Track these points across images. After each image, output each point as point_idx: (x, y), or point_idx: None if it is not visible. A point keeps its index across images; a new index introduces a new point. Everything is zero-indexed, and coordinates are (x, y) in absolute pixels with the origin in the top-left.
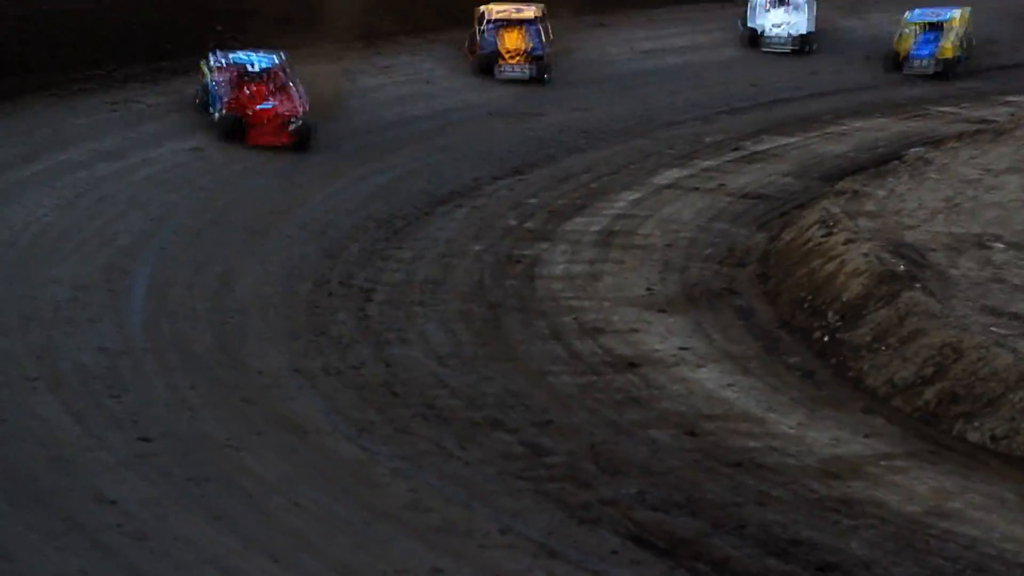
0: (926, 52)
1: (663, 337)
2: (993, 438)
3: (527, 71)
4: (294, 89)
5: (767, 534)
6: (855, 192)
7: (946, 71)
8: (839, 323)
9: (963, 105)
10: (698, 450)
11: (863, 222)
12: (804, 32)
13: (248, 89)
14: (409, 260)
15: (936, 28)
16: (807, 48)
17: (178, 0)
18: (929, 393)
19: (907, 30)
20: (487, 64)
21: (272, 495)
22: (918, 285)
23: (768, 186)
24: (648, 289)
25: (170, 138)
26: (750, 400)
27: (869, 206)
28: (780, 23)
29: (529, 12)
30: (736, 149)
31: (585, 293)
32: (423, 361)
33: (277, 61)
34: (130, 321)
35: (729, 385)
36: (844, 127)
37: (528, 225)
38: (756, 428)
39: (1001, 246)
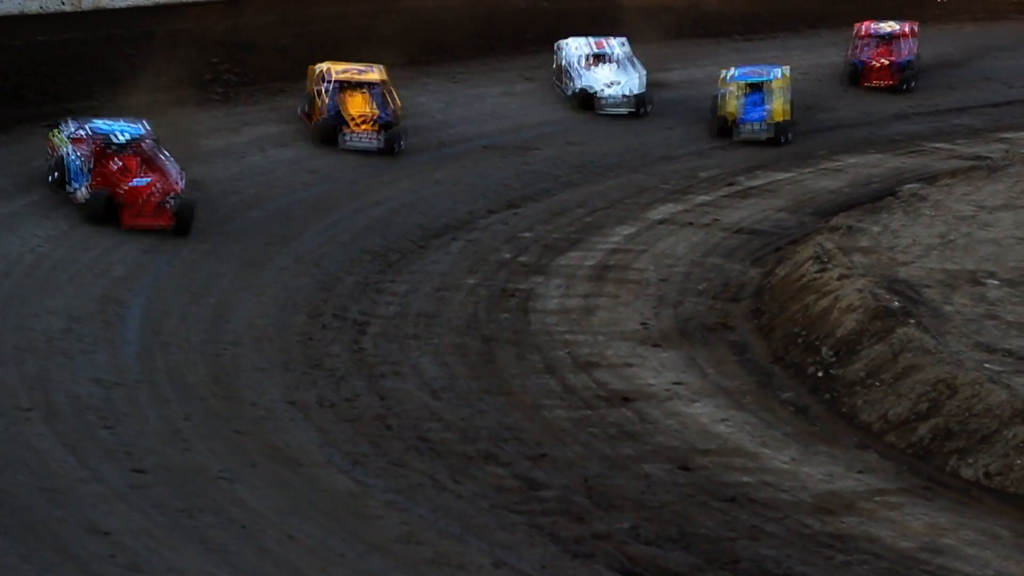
0: (757, 116)
1: (657, 371)
2: (987, 474)
3: (376, 140)
4: (166, 162)
5: (760, 569)
6: (849, 228)
7: (777, 135)
8: (833, 359)
9: (957, 141)
10: (692, 485)
11: (857, 258)
12: (638, 92)
13: (115, 163)
14: (403, 293)
15: (758, 88)
16: (642, 110)
17: (174, 32)
18: (923, 429)
19: (729, 90)
20: (330, 132)
21: (265, 527)
22: (912, 321)
23: (762, 221)
24: (642, 323)
25: None
26: (744, 435)
27: (863, 242)
28: (612, 82)
29: (374, 74)
30: (731, 184)
31: (579, 327)
32: (417, 394)
33: (142, 131)
34: (124, 352)
35: (723, 420)
36: (838, 163)
37: (522, 259)
38: (750, 463)
39: (995, 282)
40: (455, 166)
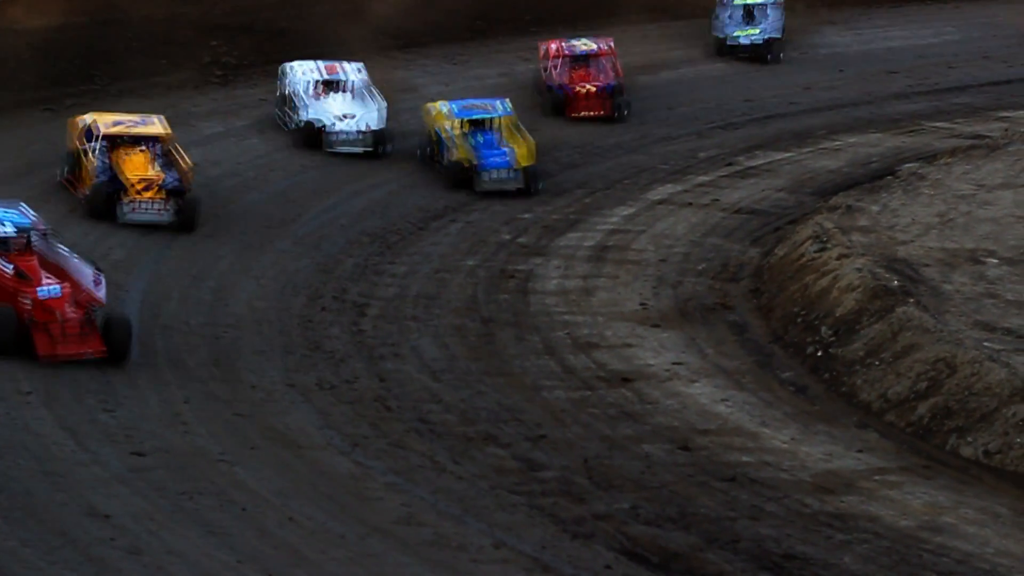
0: (500, 161)
1: (656, 352)
2: (986, 453)
3: (166, 212)
4: (72, 259)
5: (760, 549)
6: (849, 207)
7: (527, 183)
8: (832, 338)
9: (957, 120)
10: (691, 465)
11: (856, 237)
12: (376, 127)
13: (3, 266)
14: (403, 275)
15: (482, 126)
16: (381, 149)
17: (173, 15)
18: (923, 408)
19: (449, 129)
20: (105, 202)
21: (266, 510)
22: (911, 300)
23: (762, 201)
24: (642, 304)
25: None
26: (743, 415)
27: (863, 221)
28: (344, 115)
29: (154, 126)
30: (730, 164)
31: (579, 308)
32: (416, 376)
33: (28, 219)
34: None
35: (722, 400)
36: (838, 142)
37: (522, 240)
38: (749, 443)
39: (995, 261)
40: None
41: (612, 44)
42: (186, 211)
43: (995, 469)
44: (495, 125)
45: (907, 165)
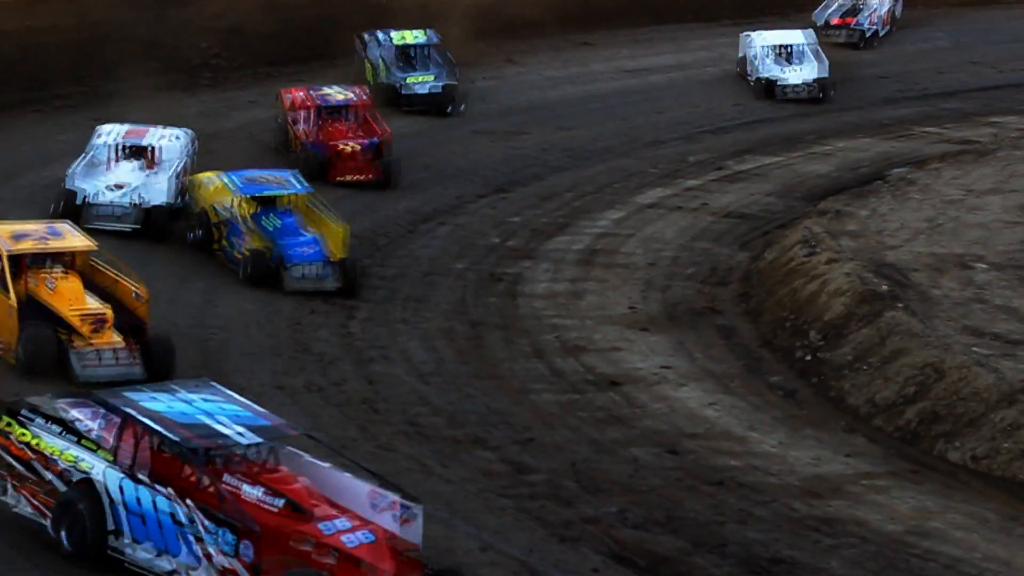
0: (312, 253)
1: (645, 355)
2: (974, 458)
3: (136, 365)
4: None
5: (748, 553)
6: (838, 212)
7: (347, 278)
8: (821, 342)
9: (946, 125)
10: (679, 468)
11: (845, 242)
12: (160, 203)
13: None
14: (392, 277)
15: (271, 203)
16: (143, 226)
17: (162, 18)
18: (910, 412)
19: (232, 210)
20: (49, 355)
21: None
22: (900, 305)
23: (751, 205)
24: (630, 307)
25: None
26: (732, 419)
27: (852, 226)
28: (118, 184)
29: (76, 239)
30: (719, 168)
31: (567, 311)
32: (405, 378)
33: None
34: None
35: (711, 404)
36: (827, 147)
37: (511, 243)
38: (738, 447)
39: (983, 266)
40: (443, 151)
41: (368, 93)
42: (158, 359)
43: (982, 474)
44: (290, 204)
45: (896, 170)
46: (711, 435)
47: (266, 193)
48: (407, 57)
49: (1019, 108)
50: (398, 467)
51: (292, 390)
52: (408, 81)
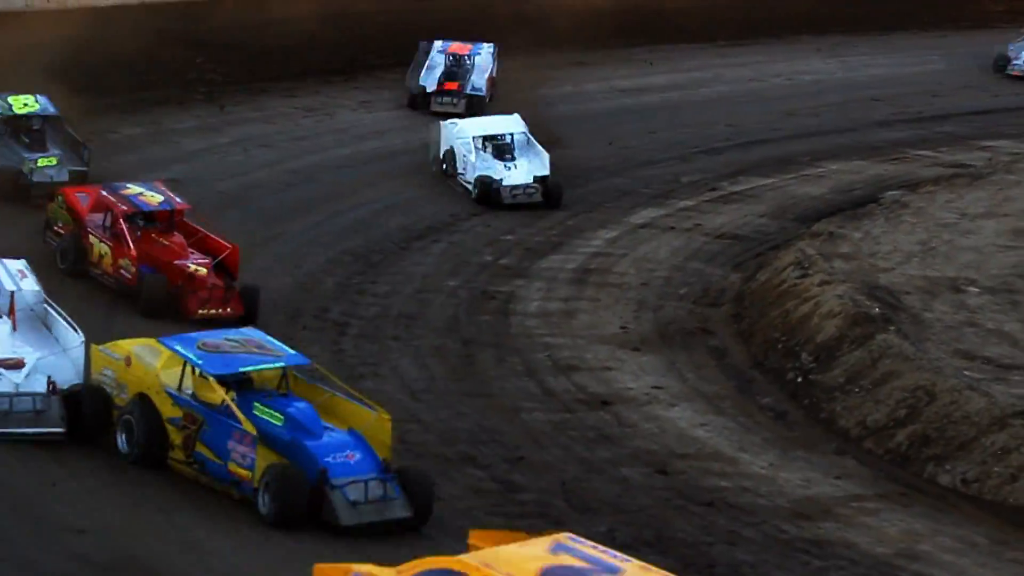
0: (366, 466)
1: (636, 375)
2: (964, 481)
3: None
4: None
5: (737, 574)
6: (831, 234)
7: None
8: (812, 364)
9: (940, 149)
10: (669, 489)
11: (838, 264)
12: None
13: None
14: (384, 294)
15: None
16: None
17: (160, 31)
18: (901, 435)
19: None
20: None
21: (243, 528)
22: (892, 328)
23: (744, 226)
24: (622, 327)
25: (144, 171)
26: (722, 440)
27: (844, 248)
28: None
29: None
30: (713, 189)
31: (560, 330)
32: (396, 396)
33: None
34: None
35: (702, 424)
36: (821, 169)
37: (504, 262)
38: (728, 468)
39: (975, 290)
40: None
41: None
42: None
43: (973, 497)
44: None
45: (890, 193)
46: (701, 456)
47: (250, 368)
48: None
49: (1012, 132)
50: None
51: None
52: None
